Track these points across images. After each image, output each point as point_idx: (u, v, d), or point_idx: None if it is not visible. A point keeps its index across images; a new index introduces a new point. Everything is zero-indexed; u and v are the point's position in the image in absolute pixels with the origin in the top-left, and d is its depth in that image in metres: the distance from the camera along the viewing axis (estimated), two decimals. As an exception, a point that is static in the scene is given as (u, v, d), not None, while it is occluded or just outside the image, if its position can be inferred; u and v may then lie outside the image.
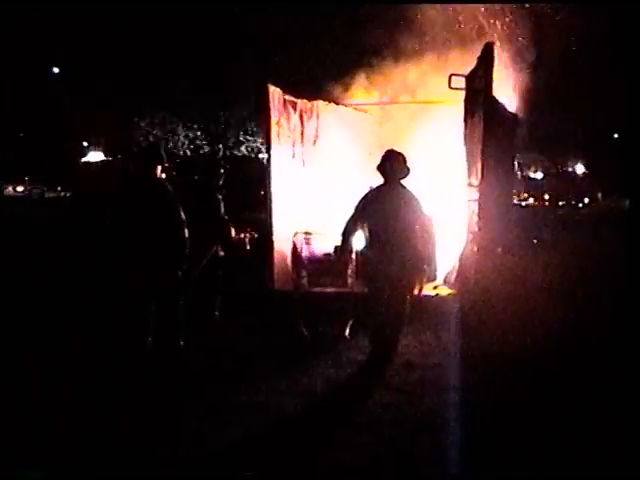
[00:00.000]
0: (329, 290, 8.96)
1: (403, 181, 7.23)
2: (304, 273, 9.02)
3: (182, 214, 7.04)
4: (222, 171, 8.74)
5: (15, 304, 9.01)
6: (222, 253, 8.44)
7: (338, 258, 8.02)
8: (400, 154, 7.29)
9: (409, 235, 6.99)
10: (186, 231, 7.06)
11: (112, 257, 7.42)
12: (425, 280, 7.39)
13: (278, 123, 9.65)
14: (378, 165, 7.31)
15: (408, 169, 7.23)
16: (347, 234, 7.25)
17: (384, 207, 7.07)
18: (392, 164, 7.21)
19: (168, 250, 6.97)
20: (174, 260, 7.05)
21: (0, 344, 7.40)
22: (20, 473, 4.49)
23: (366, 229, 7.17)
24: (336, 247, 9.00)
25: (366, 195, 7.39)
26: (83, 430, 5.29)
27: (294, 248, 9.04)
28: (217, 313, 8.42)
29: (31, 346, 7.43)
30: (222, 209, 8.46)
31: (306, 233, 9.60)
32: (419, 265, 7.05)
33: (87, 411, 5.67)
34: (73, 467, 4.69)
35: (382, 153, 7.48)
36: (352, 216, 7.26)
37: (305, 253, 9.07)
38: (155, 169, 7.15)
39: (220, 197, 8.51)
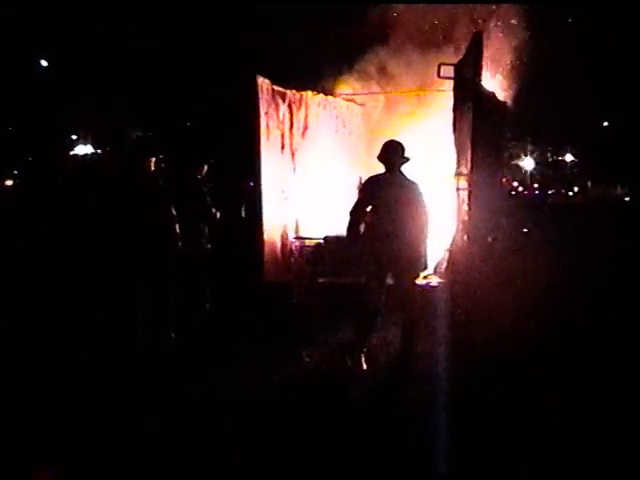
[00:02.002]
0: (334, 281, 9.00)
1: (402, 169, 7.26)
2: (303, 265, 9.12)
3: (173, 209, 7.02)
4: (205, 164, 8.65)
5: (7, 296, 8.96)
6: (209, 245, 8.40)
7: (347, 248, 7.90)
8: (399, 144, 7.34)
9: (410, 221, 7.03)
10: (177, 226, 7.05)
11: (101, 252, 7.39)
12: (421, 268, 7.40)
13: (267, 114, 9.62)
14: (378, 155, 7.33)
15: (406, 158, 7.26)
16: (354, 225, 7.21)
17: (388, 194, 7.09)
18: (392, 153, 7.25)
19: (159, 245, 6.95)
20: (165, 255, 7.03)
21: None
22: (34, 473, 4.48)
23: (369, 214, 7.18)
24: (326, 237, 9.02)
25: (368, 183, 7.41)
26: (82, 427, 5.28)
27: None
28: (208, 305, 8.39)
29: (21, 339, 7.41)
30: (208, 201, 8.41)
31: (298, 238, 9.64)
32: (420, 250, 7.11)
33: (83, 407, 5.66)
34: (74, 466, 4.67)
35: (373, 142, 7.61)
36: (357, 206, 7.24)
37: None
38: (148, 163, 7.07)
39: (205, 190, 8.45)
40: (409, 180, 7.22)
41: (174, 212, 7.03)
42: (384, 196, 7.11)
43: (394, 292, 7.14)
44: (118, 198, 7.06)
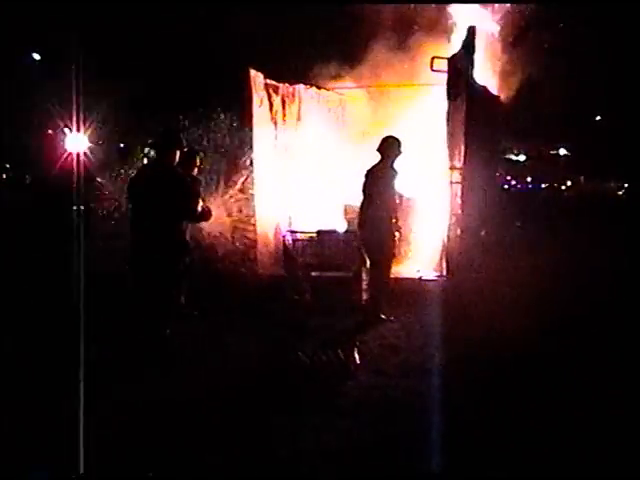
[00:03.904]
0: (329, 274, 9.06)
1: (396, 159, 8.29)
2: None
3: (199, 204, 7.02)
4: (198, 159, 8.52)
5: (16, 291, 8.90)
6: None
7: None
8: (395, 138, 8.28)
9: (386, 199, 8.15)
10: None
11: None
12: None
13: (260, 107, 9.61)
14: (378, 147, 8.27)
15: (400, 151, 8.26)
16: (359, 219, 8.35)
17: (374, 180, 8.22)
18: (388, 147, 8.23)
19: (178, 240, 6.91)
20: (187, 249, 7.05)
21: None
22: (27, 473, 4.46)
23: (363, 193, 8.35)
24: (319, 231, 9.05)
25: (365, 173, 8.38)
26: (82, 426, 5.24)
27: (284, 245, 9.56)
28: (183, 298, 8.19)
29: (20, 336, 7.38)
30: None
31: (291, 231, 9.63)
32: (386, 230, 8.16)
33: (81, 406, 5.62)
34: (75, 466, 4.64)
35: (365, 136, 8.05)
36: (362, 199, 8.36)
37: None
38: (173, 155, 6.89)
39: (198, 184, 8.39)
40: (393, 169, 8.24)
41: (200, 207, 7.05)
42: (372, 180, 8.25)
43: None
44: (143, 190, 6.94)
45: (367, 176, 8.34)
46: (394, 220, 8.21)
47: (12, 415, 5.39)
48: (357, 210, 8.56)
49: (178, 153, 6.94)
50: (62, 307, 8.32)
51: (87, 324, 7.57)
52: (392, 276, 8.44)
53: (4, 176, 36.63)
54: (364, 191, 8.32)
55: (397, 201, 8.40)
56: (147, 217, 6.77)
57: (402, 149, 8.31)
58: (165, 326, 7.07)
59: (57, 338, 7.36)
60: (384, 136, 8.43)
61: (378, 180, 8.20)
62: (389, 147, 8.27)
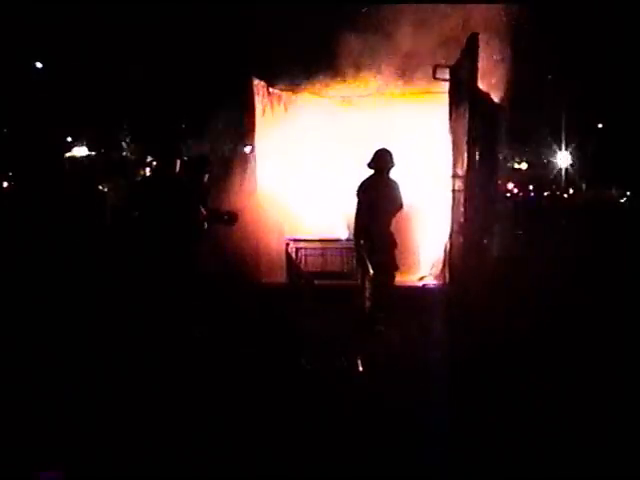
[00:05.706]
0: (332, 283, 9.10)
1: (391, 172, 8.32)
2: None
3: (202, 210, 7.21)
4: (208, 168, 8.59)
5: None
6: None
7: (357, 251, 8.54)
8: (388, 151, 8.28)
9: (390, 210, 8.26)
10: (205, 224, 7.36)
11: (136, 252, 7.44)
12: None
13: (263, 116, 9.65)
14: (368, 162, 8.30)
15: (394, 163, 8.27)
16: (359, 229, 8.29)
17: (377, 191, 8.19)
18: (381, 160, 8.25)
19: (190, 242, 7.08)
20: (196, 251, 7.17)
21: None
22: (40, 474, 4.47)
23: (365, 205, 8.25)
24: (322, 239, 9.06)
25: (361, 185, 8.35)
26: (93, 428, 5.25)
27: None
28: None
29: (23, 338, 7.40)
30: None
31: (294, 240, 9.64)
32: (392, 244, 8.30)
33: (87, 406, 5.64)
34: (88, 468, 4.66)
35: (367, 144, 8.56)
36: (358, 211, 8.30)
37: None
38: (174, 166, 7.25)
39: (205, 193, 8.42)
40: (393, 180, 8.31)
41: (204, 212, 7.23)
42: (374, 193, 8.19)
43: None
44: (151, 199, 7.18)
45: (361, 186, 8.34)
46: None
47: (27, 415, 5.42)
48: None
49: (178, 163, 7.32)
50: (82, 309, 8.44)
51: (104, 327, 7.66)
52: (394, 283, 8.49)
53: (6, 184, 36.76)
54: (361, 201, 8.29)
55: (400, 209, 8.40)
56: (151, 222, 6.96)
57: (394, 161, 8.31)
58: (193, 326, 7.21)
59: (77, 340, 7.43)
60: (376, 150, 8.39)
61: (376, 188, 8.22)
62: (381, 160, 8.28)
